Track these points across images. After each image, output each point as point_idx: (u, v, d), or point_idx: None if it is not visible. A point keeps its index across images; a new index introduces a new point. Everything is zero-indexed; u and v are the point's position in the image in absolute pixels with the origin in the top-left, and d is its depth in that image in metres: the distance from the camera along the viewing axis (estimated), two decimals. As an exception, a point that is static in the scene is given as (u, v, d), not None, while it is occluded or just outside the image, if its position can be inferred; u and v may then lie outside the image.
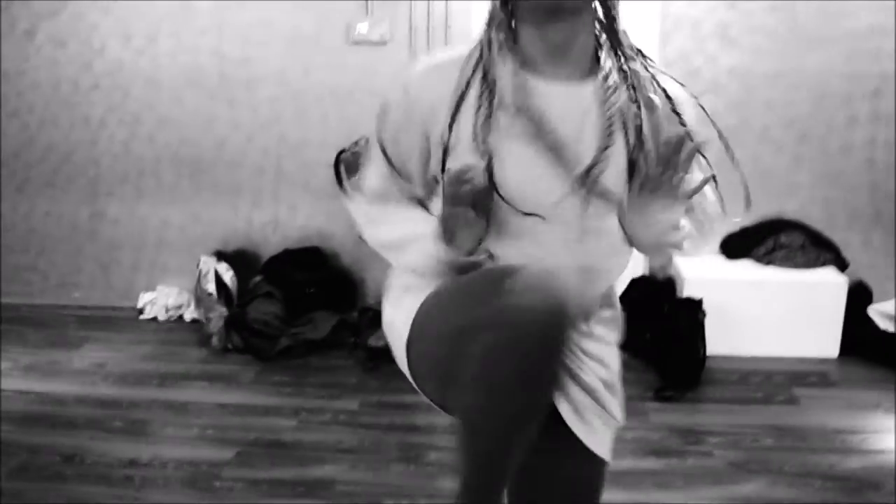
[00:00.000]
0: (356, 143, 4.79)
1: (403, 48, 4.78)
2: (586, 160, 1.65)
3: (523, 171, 1.65)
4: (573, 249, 1.72)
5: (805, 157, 4.81)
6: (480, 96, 1.63)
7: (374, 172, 1.84)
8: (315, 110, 4.95)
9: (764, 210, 4.86)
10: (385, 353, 4.26)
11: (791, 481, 3.39)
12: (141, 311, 5.12)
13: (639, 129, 1.65)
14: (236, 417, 3.86)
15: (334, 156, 4.84)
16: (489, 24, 1.68)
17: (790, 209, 4.88)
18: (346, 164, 4.79)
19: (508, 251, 1.71)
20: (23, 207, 5.22)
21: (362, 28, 4.74)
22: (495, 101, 1.61)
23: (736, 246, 4.84)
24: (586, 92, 1.67)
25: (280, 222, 5.12)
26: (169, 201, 5.15)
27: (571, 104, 1.66)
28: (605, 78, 1.65)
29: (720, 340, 4.51)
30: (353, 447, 3.60)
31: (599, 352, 1.84)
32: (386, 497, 3.23)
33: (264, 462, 3.46)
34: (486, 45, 1.66)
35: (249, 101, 4.99)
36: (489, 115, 1.61)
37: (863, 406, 4.09)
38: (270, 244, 5.12)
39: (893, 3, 4.55)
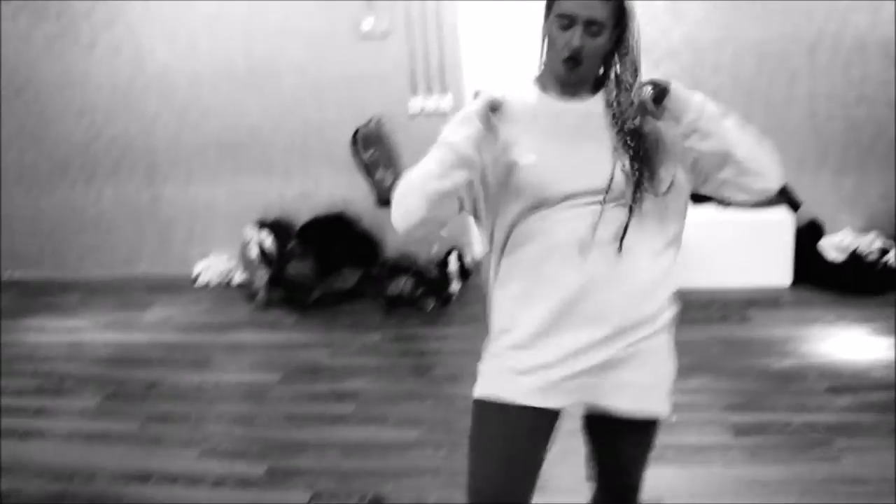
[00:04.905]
0: (369, 121, 5.57)
1: (402, 40, 5.50)
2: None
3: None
4: None
5: (753, 111, 5.33)
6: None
7: None
8: (331, 96, 5.67)
9: (722, 160, 5.50)
10: (400, 299, 5.10)
11: (730, 376, 4.16)
12: (195, 278, 5.95)
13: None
14: (280, 352, 4.71)
15: (350, 134, 5.59)
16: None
17: (745, 158, 5.49)
18: (363, 139, 5.57)
19: None
20: (92, 194, 6.08)
21: (367, 25, 5.47)
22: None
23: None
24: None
25: (308, 193, 5.88)
26: (215, 181, 5.95)
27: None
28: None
29: (683, 275, 5.16)
30: (375, 367, 4.44)
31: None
32: (400, 399, 4.06)
33: (304, 380, 4.32)
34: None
35: (276, 92, 5.74)
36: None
37: (804, 321, 4.80)
38: (301, 212, 5.88)
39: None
